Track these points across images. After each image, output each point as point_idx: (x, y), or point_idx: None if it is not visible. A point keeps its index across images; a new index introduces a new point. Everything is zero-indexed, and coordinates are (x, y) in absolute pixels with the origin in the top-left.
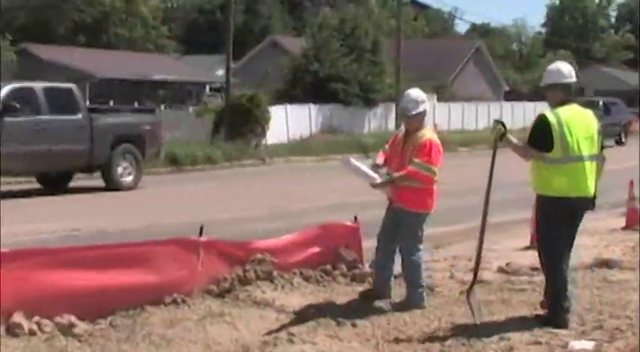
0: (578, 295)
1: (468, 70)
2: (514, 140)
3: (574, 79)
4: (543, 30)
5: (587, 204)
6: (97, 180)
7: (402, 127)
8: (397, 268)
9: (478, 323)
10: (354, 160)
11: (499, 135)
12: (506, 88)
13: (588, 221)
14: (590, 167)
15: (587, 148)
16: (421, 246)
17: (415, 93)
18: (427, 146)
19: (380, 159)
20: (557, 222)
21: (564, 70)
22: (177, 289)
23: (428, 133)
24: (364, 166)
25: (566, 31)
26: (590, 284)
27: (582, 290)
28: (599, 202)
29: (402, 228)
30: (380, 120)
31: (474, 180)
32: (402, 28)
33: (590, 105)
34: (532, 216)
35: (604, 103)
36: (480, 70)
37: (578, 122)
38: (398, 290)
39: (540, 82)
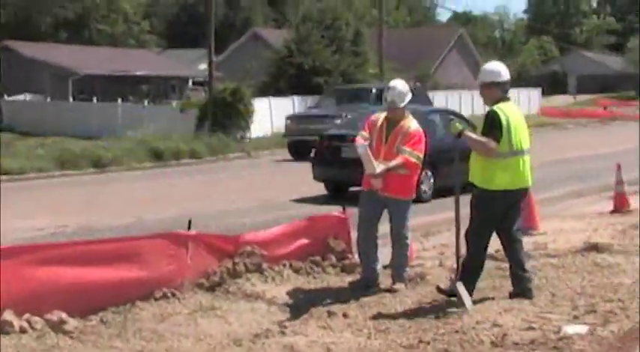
0: (568, 279)
1: (450, 59)
2: (473, 135)
3: (509, 78)
4: (525, 16)
5: (525, 193)
6: None
7: (379, 114)
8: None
9: (469, 309)
10: (369, 150)
11: (457, 132)
12: None
13: (576, 205)
14: (528, 160)
15: (525, 142)
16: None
17: (401, 85)
18: (416, 136)
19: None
20: (495, 214)
21: (500, 69)
22: (167, 283)
23: (413, 123)
24: (371, 156)
25: (548, 17)
26: (581, 268)
27: (573, 275)
28: (587, 186)
29: (394, 215)
30: None
31: None
32: (383, 18)
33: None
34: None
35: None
36: (463, 58)
37: (518, 118)
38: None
39: (522, 68)
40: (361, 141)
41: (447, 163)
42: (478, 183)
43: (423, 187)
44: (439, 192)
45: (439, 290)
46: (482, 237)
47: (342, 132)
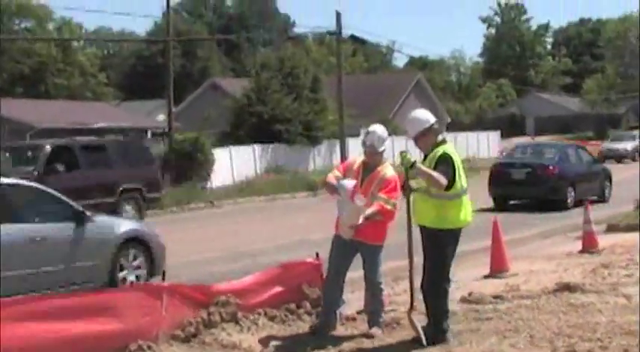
0: (545, 320)
1: (409, 103)
2: (424, 168)
3: (436, 120)
4: (481, 60)
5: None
6: None
7: (355, 157)
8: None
9: (424, 342)
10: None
11: (409, 164)
12: (448, 120)
13: (544, 247)
14: (467, 197)
15: (466, 181)
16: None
17: (380, 130)
18: (392, 183)
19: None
20: (449, 250)
21: (427, 115)
22: (143, 336)
23: (390, 169)
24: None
25: (503, 59)
26: (556, 308)
27: (548, 315)
28: (554, 227)
29: (367, 261)
30: (324, 157)
31: None
32: (342, 63)
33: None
34: (490, 244)
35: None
36: (421, 102)
37: (459, 159)
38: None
39: (480, 111)
40: (334, 180)
41: (581, 182)
42: (431, 224)
43: (569, 200)
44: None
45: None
46: (443, 277)
47: (512, 160)
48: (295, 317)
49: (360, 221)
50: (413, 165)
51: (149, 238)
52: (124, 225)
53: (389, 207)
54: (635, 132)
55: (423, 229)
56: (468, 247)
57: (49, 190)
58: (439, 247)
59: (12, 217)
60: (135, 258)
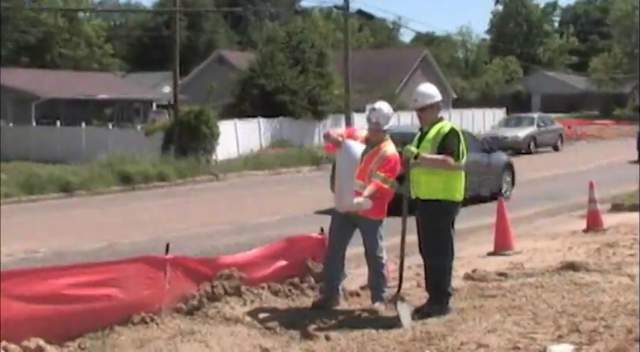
0: (548, 298)
1: (415, 79)
2: (427, 155)
3: (441, 98)
4: (488, 36)
5: None
6: None
7: (360, 130)
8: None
9: (405, 326)
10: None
11: (413, 155)
12: (454, 96)
13: (549, 225)
14: None
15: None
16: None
17: (386, 107)
18: (392, 161)
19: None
20: (451, 222)
21: (435, 91)
22: (146, 308)
23: (391, 147)
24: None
25: (510, 36)
26: (560, 287)
27: (552, 294)
28: (558, 205)
29: (366, 235)
30: None
31: None
32: (348, 38)
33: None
34: (495, 221)
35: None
36: (427, 78)
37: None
38: (365, 301)
39: (486, 88)
40: (336, 135)
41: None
42: (441, 196)
43: None
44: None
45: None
46: (448, 247)
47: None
48: (299, 291)
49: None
50: (417, 156)
51: (512, 165)
52: (504, 157)
53: (387, 185)
54: (535, 115)
55: (427, 203)
56: (473, 224)
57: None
58: (446, 220)
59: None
60: (507, 176)
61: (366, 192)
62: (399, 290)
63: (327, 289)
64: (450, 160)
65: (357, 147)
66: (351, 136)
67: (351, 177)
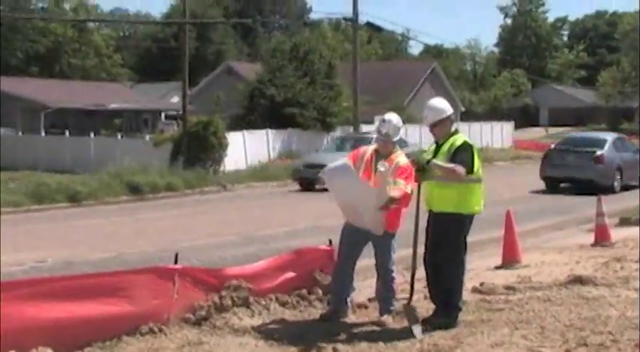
0: (556, 312)
1: (423, 92)
2: (439, 162)
3: (452, 111)
4: (497, 49)
5: None
6: None
7: (365, 147)
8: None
9: (417, 337)
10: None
11: (424, 161)
12: (462, 109)
13: (557, 238)
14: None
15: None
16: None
17: (396, 119)
18: (407, 170)
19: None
20: (465, 237)
21: (446, 105)
22: (154, 318)
23: (403, 158)
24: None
25: (519, 50)
26: (567, 301)
27: (560, 308)
28: (565, 219)
29: (380, 248)
30: None
31: None
32: (357, 50)
33: None
34: (503, 234)
35: None
36: (436, 91)
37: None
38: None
39: (494, 101)
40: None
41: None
42: (454, 210)
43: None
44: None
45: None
46: (461, 262)
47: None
48: (307, 303)
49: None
50: (428, 162)
51: None
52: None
53: (409, 191)
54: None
55: (441, 216)
56: (481, 237)
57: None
58: (459, 233)
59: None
60: None
61: (392, 193)
62: (409, 301)
63: (336, 301)
64: (461, 170)
65: (339, 164)
66: (356, 159)
67: (361, 194)
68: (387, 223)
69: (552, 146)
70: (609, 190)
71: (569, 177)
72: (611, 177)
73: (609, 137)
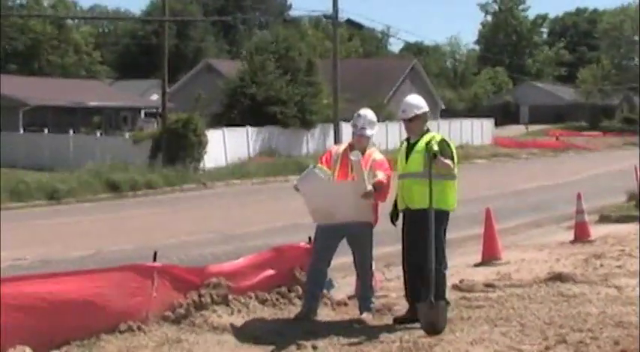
0: (536, 310)
1: (403, 89)
2: (443, 159)
3: (428, 109)
4: (477, 47)
5: None
6: None
7: (334, 147)
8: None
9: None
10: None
11: (434, 153)
12: (442, 106)
13: (537, 236)
14: None
15: None
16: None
17: (371, 114)
18: (385, 163)
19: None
20: (444, 231)
21: (423, 102)
22: (133, 316)
23: (378, 154)
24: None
25: (499, 47)
26: (547, 298)
27: (540, 305)
28: (545, 216)
29: (358, 243)
30: (318, 141)
31: None
32: (337, 47)
33: None
34: (483, 232)
35: None
36: (416, 88)
37: None
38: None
39: (474, 99)
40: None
41: None
42: (436, 205)
43: None
44: None
45: (397, 320)
46: (442, 253)
47: None
48: (286, 300)
49: (369, 188)
50: (435, 155)
51: None
52: None
53: (390, 182)
54: None
55: (420, 212)
56: (460, 234)
57: None
58: (440, 229)
59: None
60: None
61: (379, 176)
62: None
63: (309, 300)
64: (453, 165)
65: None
66: (330, 161)
67: (336, 192)
68: (365, 214)
69: None
70: None
71: None
72: None
73: None
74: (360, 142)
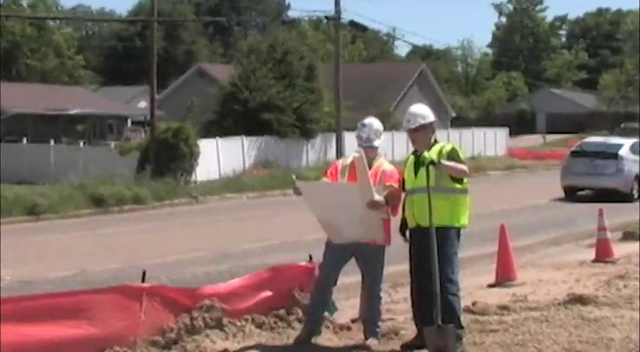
0: (554, 334)
1: (411, 96)
2: (447, 162)
3: (435, 119)
4: (491, 51)
5: None
6: None
7: (338, 161)
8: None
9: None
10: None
11: (429, 160)
12: (453, 114)
13: (555, 254)
14: None
15: None
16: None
17: (377, 123)
18: (395, 175)
19: None
20: (456, 249)
21: (428, 111)
22: (119, 341)
23: (387, 164)
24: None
25: (515, 51)
26: (566, 322)
27: (558, 329)
28: (564, 234)
29: (369, 265)
30: (318, 151)
31: None
32: (340, 51)
33: None
34: (497, 250)
35: None
36: (425, 95)
37: None
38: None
39: (487, 106)
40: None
41: None
42: (447, 222)
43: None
44: None
45: (405, 347)
46: (454, 272)
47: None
48: (285, 324)
49: (377, 197)
50: (432, 162)
51: None
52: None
53: (401, 194)
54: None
55: (434, 230)
56: (473, 253)
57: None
58: (453, 247)
59: None
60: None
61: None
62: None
63: (312, 321)
64: (465, 168)
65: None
66: (336, 174)
67: (345, 208)
68: (378, 236)
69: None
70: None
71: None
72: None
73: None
74: (368, 153)
